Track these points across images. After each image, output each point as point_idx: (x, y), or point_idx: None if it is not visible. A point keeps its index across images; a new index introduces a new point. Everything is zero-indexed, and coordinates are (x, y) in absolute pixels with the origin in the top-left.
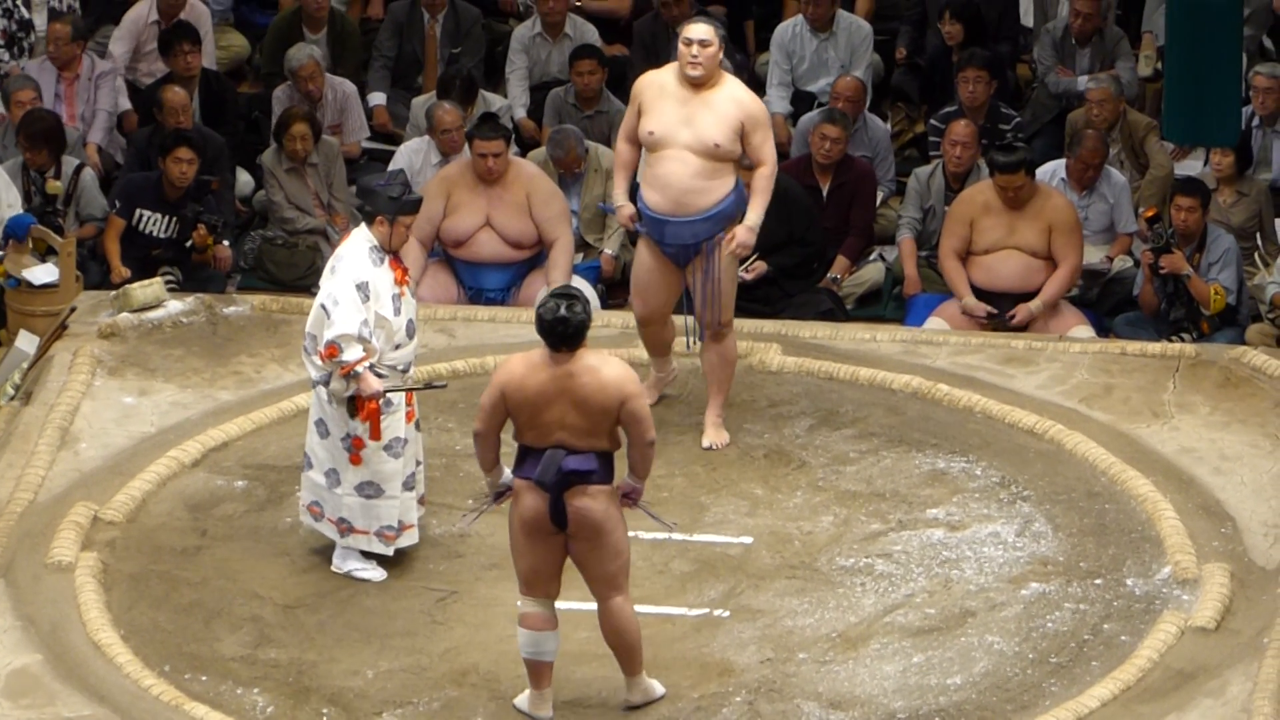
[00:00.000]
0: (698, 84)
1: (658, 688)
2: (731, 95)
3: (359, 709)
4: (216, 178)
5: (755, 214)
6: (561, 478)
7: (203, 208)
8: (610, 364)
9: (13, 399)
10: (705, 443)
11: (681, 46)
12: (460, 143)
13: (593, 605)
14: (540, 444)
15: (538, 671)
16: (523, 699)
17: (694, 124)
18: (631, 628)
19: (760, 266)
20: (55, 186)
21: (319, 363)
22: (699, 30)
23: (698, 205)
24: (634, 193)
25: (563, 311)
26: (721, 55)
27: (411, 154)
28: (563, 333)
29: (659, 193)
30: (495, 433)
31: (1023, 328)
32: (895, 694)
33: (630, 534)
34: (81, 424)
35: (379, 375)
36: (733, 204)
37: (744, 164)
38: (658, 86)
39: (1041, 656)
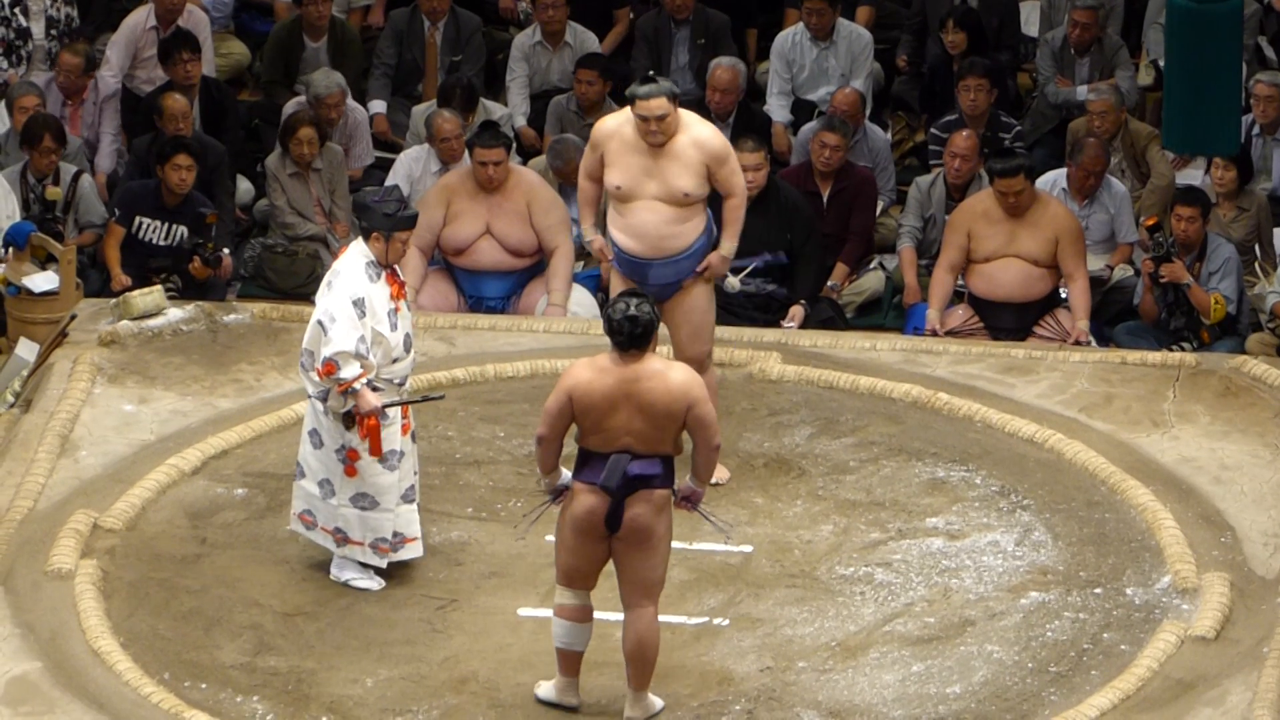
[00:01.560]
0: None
1: (657, 703)
2: (693, 139)
3: (358, 717)
4: (214, 211)
5: (729, 243)
6: (627, 483)
7: (200, 239)
8: (676, 369)
9: (13, 406)
10: (718, 479)
11: (639, 123)
12: (460, 151)
13: (603, 614)
14: (605, 449)
15: (569, 660)
16: (547, 688)
17: (660, 175)
18: (654, 641)
19: (798, 313)
20: (55, 193)
21: (316, 379)
22: (654, 107)
23: (676, 247)
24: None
25: (632, 310)
26: (677, 110)
27: (411, 162)
28: (631, 331)
29: (635, 240)
30: (559, 437)
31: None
32: (895, 703)
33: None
34: (81, 431)
35: (376, 389)
36: (707, 239)
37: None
38: (619, 139)
39: (1041, 666)
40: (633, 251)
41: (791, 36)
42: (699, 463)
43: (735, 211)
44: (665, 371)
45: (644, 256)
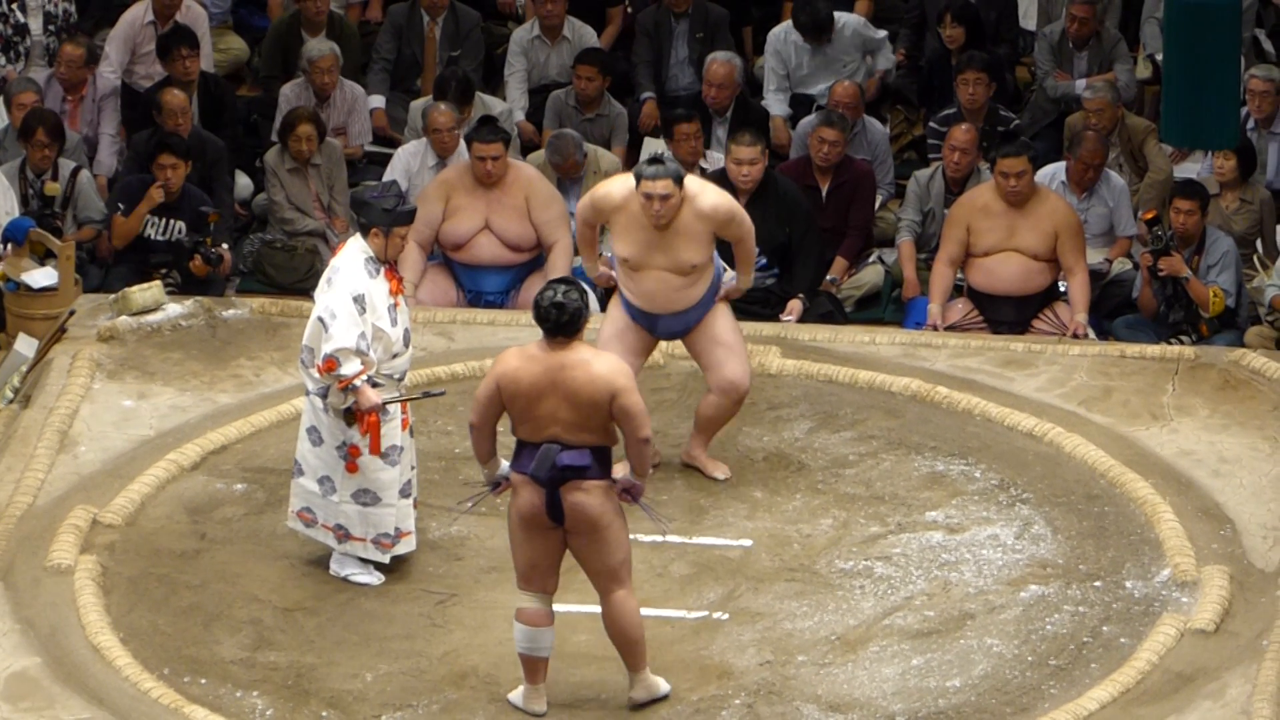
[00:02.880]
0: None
1: (662, 685)
2: (697, 213)
3: (358, 712)
4: (216, 209)
5: (745, 279)
6: (556, 473)
7: (201, 238)
8: (602, 358)
9: (12, 402)
10: (720, 475)
11: (643, 200)
12: (453, 144)
13: (592, 608)
14: (535, 438)
15: (533, 667)
16: (517, 694)
17: (668, 249)
18: (634, 622)
19: (796, 307)
20: (54, 188)
21: (316, 375)
22: (659, 187)
23: (686, 303)
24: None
25: (559, 297)
26: (682, 190)
27: (409, 157)
28: (557, 319)
29: (643, 300)
30: (490, 425)
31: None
32: (894, 696)
33: (629, 536)
34: (80, 427)
35: (376, 385)
36: (715, 287)
37: None
38: (626, 214)
39: (1041, 659)
40: (643, 307)
41: (785, 32)
42: (630, 455)
43: (747, 252)
44: (590, 360)
45: (655, 312)
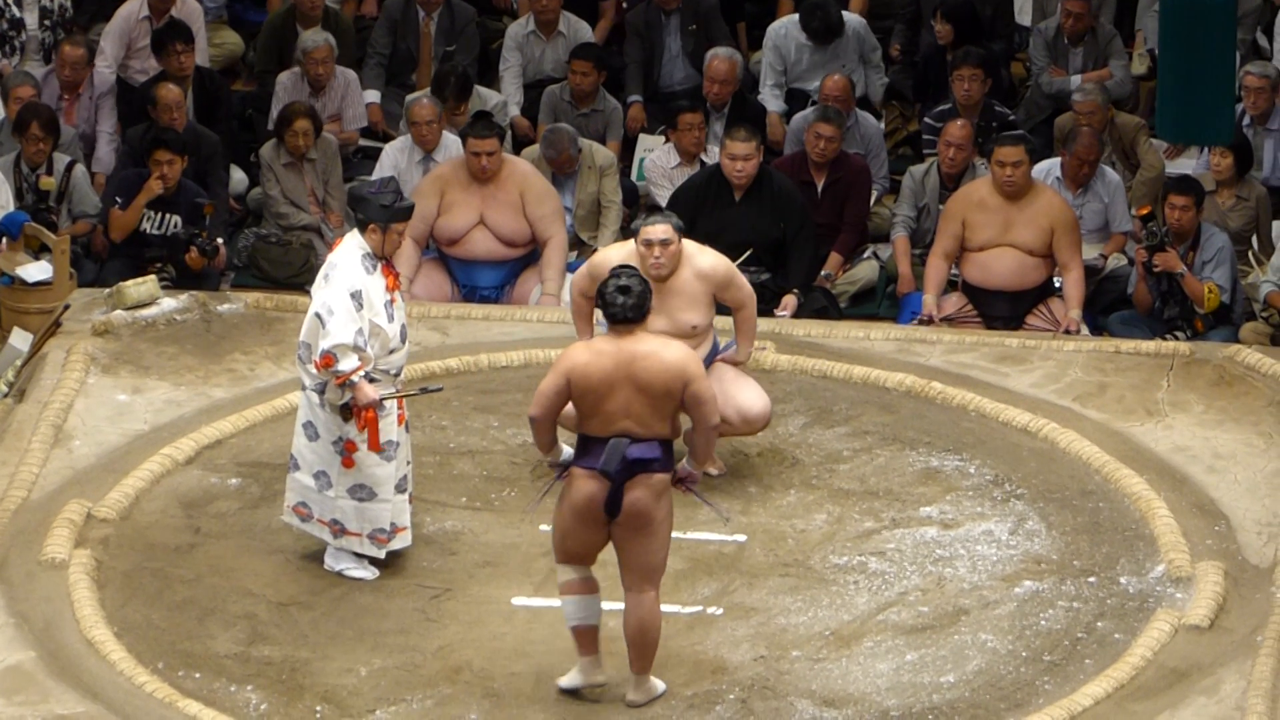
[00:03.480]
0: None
1: (659, 686)
2: (695, 272)
3: (352, 706)
4: (211, 201)
5: (744, 348)
6: (626, 466)
7: (197, 230)
8: (673, 346)
9: (6, 396)
10: (714, 471)
11: (642, 249)
12: (434, 137)
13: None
14: (604, 433)
15: (586, 637)
16: (571, 677)
17: (667, 311)
18: (655, 624)
19: (790, 302)
20: (49, 183)
21: (314, 372)
22: (658, 231)
23: None
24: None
25: (624, 280)
26: (680, 242)
27: (396, 153)
28: (624, 304)
29: None
30: (552, 418)
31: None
32: (888, 692)
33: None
34: (75, 421)
35: (372, 381)
36: (714, 352)
37: None
38: None
39: (1035, 654)
40: None
41: (785, 27)
42: (698, 443)
43: (747, 322)
44: (661, 350)
45: None
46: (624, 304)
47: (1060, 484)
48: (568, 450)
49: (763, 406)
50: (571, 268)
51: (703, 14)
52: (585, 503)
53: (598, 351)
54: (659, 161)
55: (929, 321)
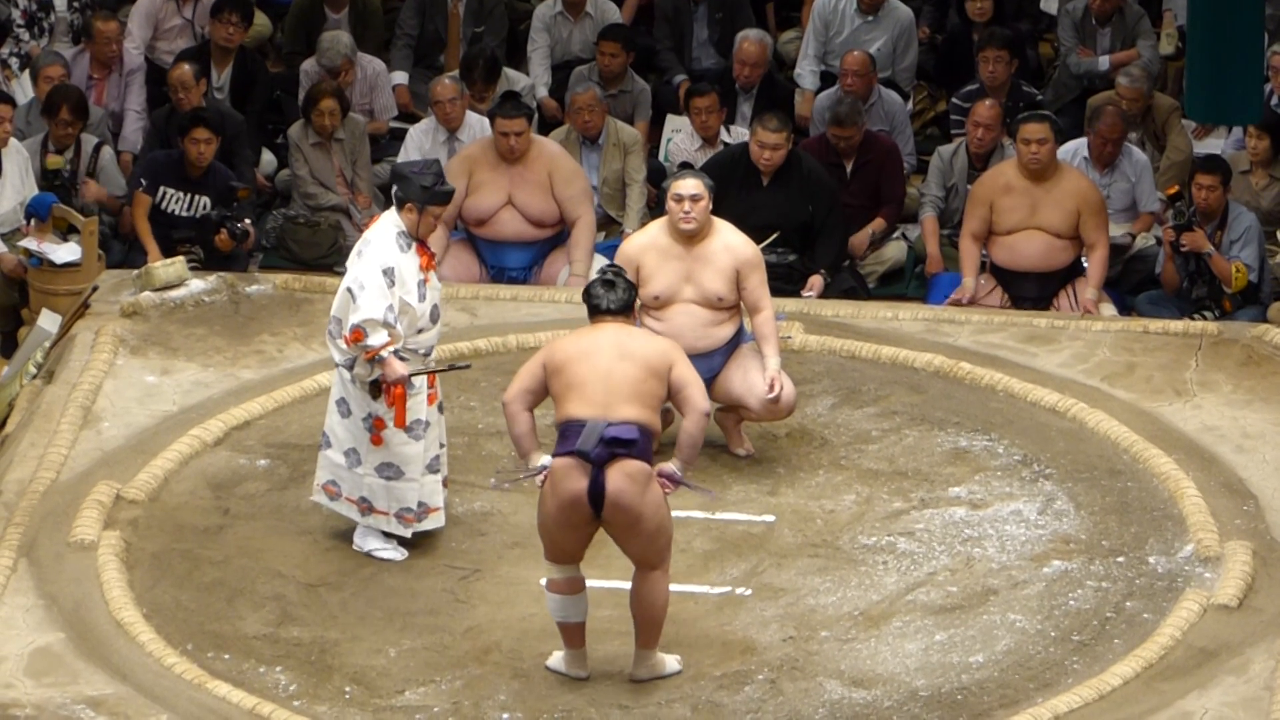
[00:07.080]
0: (691, 236)
1: (669, 665)
2: (724, 244)
3: (381, 687)
4: (245, 186)
5: (775, 359)
6: (603, 446)
7: (229, 213)
8: (660, 337)
9: (35, 378)
10: (743, 452)
11: (672, 203)
12: (457, 115)
13: (615, 583)
14: (580, 414)
15: (570, 632)
16: (556, 659)
17: (695, 279)
18: (660, 602)
19: (817, 282)
20: (56, 161)
21: (344, 346)
22: (689, 186)
23: (711, 344)
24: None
25: (609, 276)
26: (710, 199)
27: (421, 135)
28: (605, 295)
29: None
30: (525, 401)
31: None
32: (917, 672)
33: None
34: (104, 403)
35: (402, 359)
36: (739, 338)
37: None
38: (654, 250)
39: (1064, 634)
40: None
41: (835, 1)
42: (686, 434)
43: (768, 326)
44: (647, 333)
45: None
46: (605, 295)
47: (1089, 464)
48: (545, 458)
49: (788, 393)
50: (599, 248)
51: (730, 2)
52: (570, 499)
53: (578, 333)
54: (683, 144)
55: (970, 302)
